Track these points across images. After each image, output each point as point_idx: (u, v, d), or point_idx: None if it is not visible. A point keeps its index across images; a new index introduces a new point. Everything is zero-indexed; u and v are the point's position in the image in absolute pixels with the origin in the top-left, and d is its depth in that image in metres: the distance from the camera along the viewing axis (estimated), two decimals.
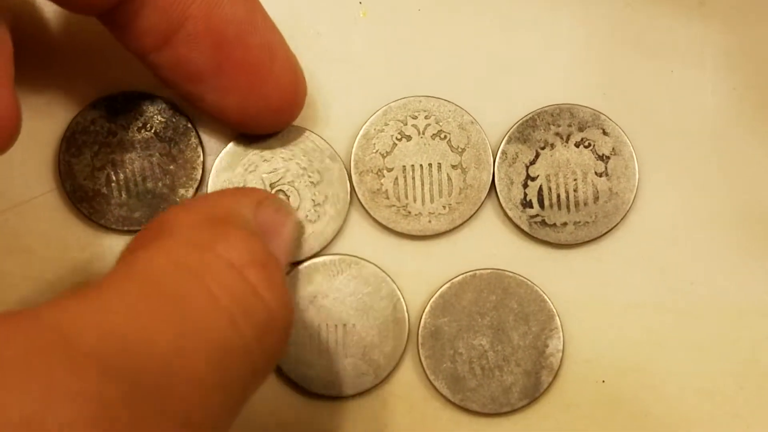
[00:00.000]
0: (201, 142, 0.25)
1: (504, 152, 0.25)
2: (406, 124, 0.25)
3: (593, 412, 0.24)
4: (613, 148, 0.25)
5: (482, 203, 0.25)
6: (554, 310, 0.24)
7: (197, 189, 0.24)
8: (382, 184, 0.24)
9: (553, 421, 0.24)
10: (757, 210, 0.25)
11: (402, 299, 0.24)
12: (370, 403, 0.24)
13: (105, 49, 0.24)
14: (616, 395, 0.24)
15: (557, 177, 0.25)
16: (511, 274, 0.24)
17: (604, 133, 0.25)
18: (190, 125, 0.25)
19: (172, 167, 0.24)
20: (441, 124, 0.25)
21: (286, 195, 0.24)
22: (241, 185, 0.24)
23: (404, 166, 0.25)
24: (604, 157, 0.25)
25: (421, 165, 0.25)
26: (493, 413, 0.24)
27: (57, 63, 0.25)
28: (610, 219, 0.24)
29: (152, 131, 0.24)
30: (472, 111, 0.25)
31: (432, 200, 0.25)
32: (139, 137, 0.24)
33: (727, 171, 0.25)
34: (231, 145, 0.24)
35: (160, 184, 0.24)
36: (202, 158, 0.24)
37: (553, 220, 0.24)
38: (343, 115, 0.25)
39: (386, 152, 0.25)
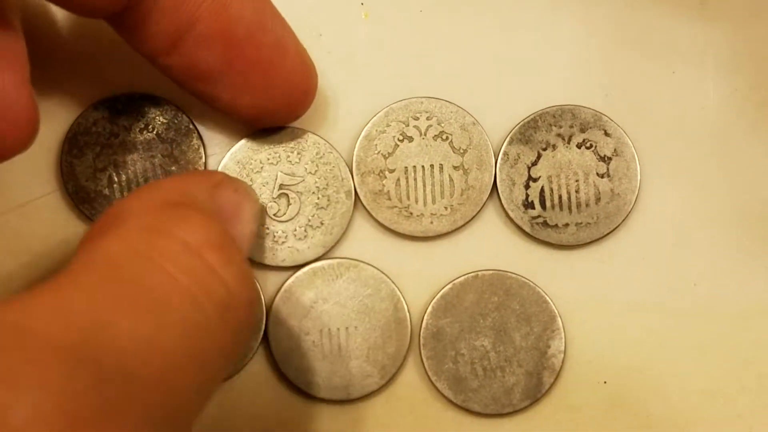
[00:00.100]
0: (203, 144, 0.25)
1: (506, 153, 0.25)
2: (407, 125, 0.25)
3: (595, 413, 0.24)
4: (614, 149, 0.25)
5: (484, 204, 0.25)
6: (556, 311, 0.24)
7: None
8: (383, 186, 0.24)
9: (555, 422, 0.24)
10: (759, 210, 0.25)
11: (402, 299, 0.24)
12: (372, 405, 0.24)
13: (107, 50, 0.25)
14: (618, 396, 0.24)
15: (559, 178, 0.25)
16: (513, 275, 0.24)
17: (606, 134, 0.25)
18: (191, 126, 0.25)
19: (174, 168, 0.24)
20: (443, 125, 0.25)
21: (289, 198, 0.24)
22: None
23: (406, 167, 0.25)
24: (606, 158, 0.25)
25: (422, 166, 0.25)
26: (494, 414, 0.24)
27: (59, 64, 0.25)
28: (611, 220, 0.25)
29: (154, 132, 0.24)
30: (473, 112, 0.25)
31: (434, 201, 0.25)
32: (141, 138, 0.24)
33: (729, 171, 0.25)
34: (236, 147, 0.24)
35: None
36: (204, 159, 0.24)
37: (555, 221, 0.24)
38: (345, 116, 0.25)
39: (388, 153, 0.25)
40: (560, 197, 0.25)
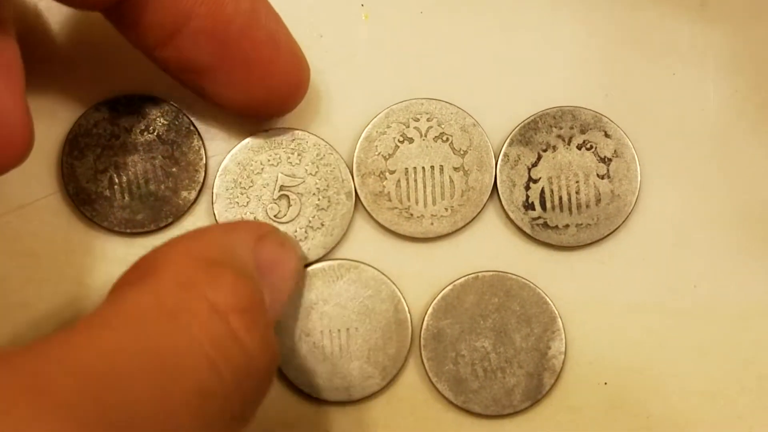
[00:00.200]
0: (203, 145, 0.25)
1: (506, 154, 0.25)
2: (408, 127, 0.25)
3: (595, 414, 0.24)
4: (614, 151, 0.25)
5: (484, 205, 0.25)
6: (556, 312, 0.24)
7: (200, 191, 0.24)
8: (384, 187, 0.25)
9: (556, 423, 0.24)
10: (759, 211, 0.25)
11: (403, 300, 0.24)
12: (373, 406, 0.24)
13: (108, 51, 0.25)
14: (618, 397, 0.24)
15: (559, 179, 0.25)
16: (513, 276, 0.24)
17: (606, 135, 0.25)
18: (192, 128, 0.25)
19: (174, 170, 0.24)
20: (443, 126, 0.25)
21: (290, 199, 0.24)
22: (249, 187, 0.24)
23: (406, 169, 0.25)
24: (606, 160, 0.25)
25: (423, 167, 0.25)
26: (495, 415, 0.24)
27: (59, 66, 0.25)
28: (612, 221, 0.25)
29: (155, 134, 0.24)
30: (474, 113, 0.25)
31: (434, 202, 0.25)
32: (142, 140, 0.24)
33: (729, 173, 0.25)
34: (236, 148, 0.24)
35: (162, 186, 0.24)
36: (204, 161, 0.25)
37: (555, 222, 0.24)
38: (345, 117, 0.25)
39: (388, 154, 0.25)
40: (560, 198, 0.25)
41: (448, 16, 0.25)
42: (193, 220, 0.25)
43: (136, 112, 0.24)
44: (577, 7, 0.25)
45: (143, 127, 0.24)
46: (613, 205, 0.25)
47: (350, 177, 0.24)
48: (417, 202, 0.25)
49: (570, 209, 0.25)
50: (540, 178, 0.25)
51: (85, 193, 0.24)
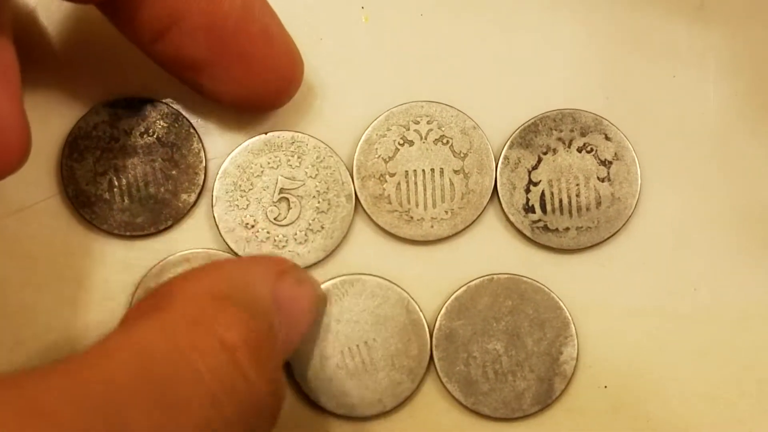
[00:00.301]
0: (203, 147, 0.25)
1: (506, 157, 0.25)
2: (408, 129, 0.25)
3: (596, 417, 0.24)
4: (615, 153, 0.25)
5: (484, 208, 0.25)
6: (570, 318, 0.24)
7: (199, 194, 0.24)
8: (384, 190, 0.24)
9: (556, 426, 0.24)
10: (759, 214, 0.25)
11: (412, 301, 0.24)
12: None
13: (107, 54, 0.25)
14: (618, 400, 0.24)
15: (559, 182, 0.25)
16: (528, 280, 0.24)
17: (607, 138, 0.25)
18: (192, 130, 0.25)
19: (174, 172, 0.24)
20: (443, 129, 0.25)
21: (290, 202, 0.24)
22: (248, 190, 0.24)
23: (406, 171, 0.25)
24: (607, 162, 0.25)
25: (423, 170, 0.25)
26: (504, 418, 0.24)
27: (59, 68, 0.25)
28: (612, 224, 0.24)
29: (154, 136, 0.24)
30: (474, 116, 0.25)
31: (434, 205, 0.24)
32: (142, 142, 0.24)
33: (729, 175, 0.25)
34: (236, 151, 0.24)
35: (162, 189, 0.24)
36: (204, 163, 0.24)
37: (556, 225, 0.24)
38: (345, 119, 0.25)
39: (388, 157, 0.25)
40: (561, 201, 0.25)
41: (449, 18, 0.25)
42: (193, 223, 0.25)
43: (136, 115, 0.24)
44: (576, 9, 0.25)
45: (143, 130, 0.24)
46: (614, 208, 0.24)
47: (350, 180, 0.24)
48: (417, 205, 0.24)
49: (570, 212, 0.24)
50: (540, 180, 0.25)
51: (84, 195, 0.24)
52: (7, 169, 0.20)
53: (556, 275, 0.25)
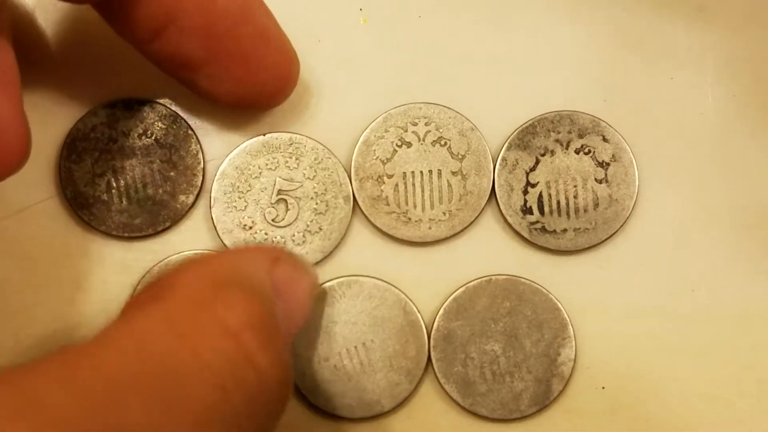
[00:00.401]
0: (201, 149, 0.25)
1: (504, 159, 0.25)
2: (406, 131, 0.25)
3: (594, 418, 0.24)
4: (612, 155, 0.25)
5: (482, 210, 0.25)
6: (568, 319, 0.24)
7: (197, 195, 0.24)
8: (382, 191, 0.24)
9: (554, 427, 0.24)
10: (758, 215, 0.25)
11: (410, 302, 0.24)
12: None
13: (105, 55, 0.25)
14: (617, 401, 0.24)
15: (557, 184, 0.25)
16: (526, 281, 0.24)
17: (604, 139, 0.25)
18: (190, 132, 0.25)
19: (172, 174, 0.24)
20: (441, 130, 0.25)
21: (288, 203, 0.24)
22: (247, 191, 0.24)
23: (404, 173, 0.25)
24: (604, 164, 0.25)
25: (421, 171, 0.25)
26: (502, 419, 0.24)
27: (57, 69, 0.25)
28: (610, 226, 0.24)
29: (153, 138, 0.24)
30: (472, 118, 0.25)
31: (432, 207, 0.25)
32: (140, 144, 0.24)
33: (728, 176, 0.25)
34: (234, 152, 0.24)
35: (160, 190, 0.24)
36: (202, 165, 0.25)
37: (553, 226, 0.24)
38: (344, 121, 0.25)
39: (386, 159, 0.25)
40: (558, 203, 0.25)
41: (447, 20, 0.25)
42: (191, 224, 0.25)
43: (134, 116, 0.24)
44: (574, 11, 0.25)
45: (141, 131, 0.24)
46: (611, 210, 0.24)
47: (348, 181, 0.24)
48: (415, 207, 0.25)
49: (568, 213, 0.25)
50: (538, 182, 0.25)
51: (82, 197, 0.24)
52: (8, 170, 0.20)
53: (554, 276, 0.25)
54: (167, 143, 0.24)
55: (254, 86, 0.23)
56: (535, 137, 0.25)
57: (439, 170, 0.25)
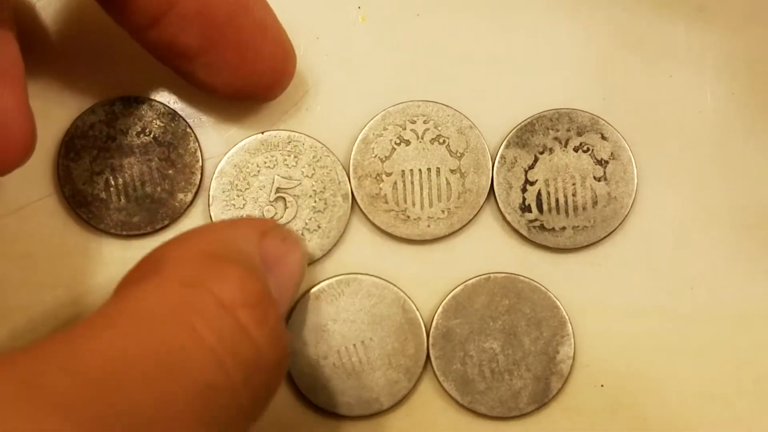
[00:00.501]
0: (200, 147, 0.25)
1: (503, 157, 0.25)
2: (404, 129, 0.25)
3: (593, 417, 0.24)
4: (611, 153, 0.25)
5: (481, 207, 0.25)
6: (566, 317, 0.24)
7: (196, 193, 0.24)
8: (380, 189, 0.24)
9: (552, 425, 0.24)
10: (757, 214, 0.25)
11: (408, 300, 0.24)
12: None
13: (104, 53, 0.25)
14: (616, 399, 0.24)
15: (556, 181, 0.25)
16: (525, 279, 0.24)
17: (603, 137, 0.25)
18: (189, 130, 0.25)
19: (171, 172, 0.24)
20: (440, 128, 0.25)
21: (286, 201, 0.24)
22: (245, 189, 0.24)
23: (403, 171, 0.25)
24: (603, 162, 0.25)
25: (420, 169, 0.25)
26: (501, 417, 0.24)
27: (56, 67, 0.25)
28: (608, 223, 0.24)
29: (151, 136, 0.24)
30: (470, 115, 0.25)
31: (431, 205, 0.25)
32: (138, 142, 0.24)
33: (726, 175, 0.25)
34: (233, 150, 0.24)
35: (159, 188, 0.24)
36: (201, 163, 0.24)
37: (552, 224, 0.24)
38: (342, 119, 0.25)
39: (385, 157, 0.25)
40: (557, 200, 0.25)
41: (445, 18, 0.25)
42: (190, 223, 0.25)
43: (132, 115, 0.24)
44: (574, 9, 0.25)
45: (139, 129, 0.24)
46: (610, 208, 0.24)
47: (347, 179, 0.24)
48: (414, 205, 0.24)
49: (567, 211, 0.24)
50: (537, 180, 0.25)
51: (81, 195, 0.24)
52: (13, 164, 0.20)
53: (553, 274, 0.25)
54: (166, 141, 0.24)
55: (251, 77, 0.22)
56: (534, 135, 0.25)
57: (438, 168, 0.25)
